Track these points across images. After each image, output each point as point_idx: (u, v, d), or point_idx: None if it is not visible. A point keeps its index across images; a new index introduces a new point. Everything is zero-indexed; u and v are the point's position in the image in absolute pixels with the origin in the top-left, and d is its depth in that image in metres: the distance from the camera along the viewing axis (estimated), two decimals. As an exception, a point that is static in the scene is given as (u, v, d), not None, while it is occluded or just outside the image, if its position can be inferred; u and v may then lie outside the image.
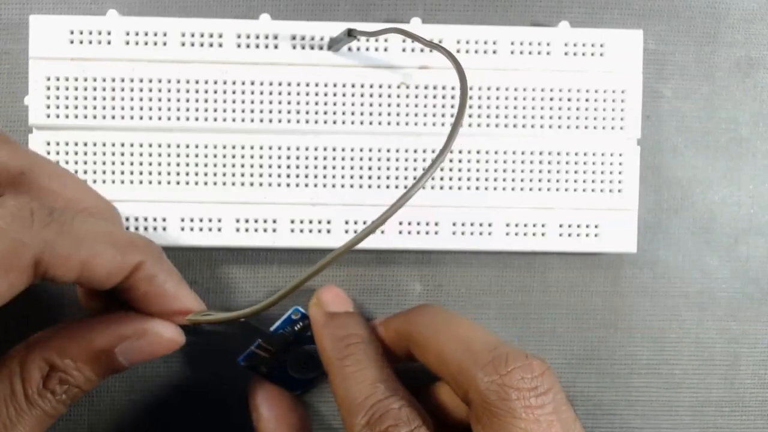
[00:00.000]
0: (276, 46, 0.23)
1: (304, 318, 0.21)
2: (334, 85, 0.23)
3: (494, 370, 0.16)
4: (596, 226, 0.24)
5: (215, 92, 0.23)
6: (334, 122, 0.23)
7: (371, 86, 0.23)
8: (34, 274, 0.16)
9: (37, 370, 0.17)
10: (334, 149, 0.23)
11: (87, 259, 0.17)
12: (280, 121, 0.23)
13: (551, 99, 0.24)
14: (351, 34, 0.22)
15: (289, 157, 0.23)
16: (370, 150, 0.23)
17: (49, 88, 0.22)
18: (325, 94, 0.23)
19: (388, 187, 0.23)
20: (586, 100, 0.24)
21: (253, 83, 0.23)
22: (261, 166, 0.23)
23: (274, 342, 0.21)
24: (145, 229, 0.23)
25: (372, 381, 0.18)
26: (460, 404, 0.19)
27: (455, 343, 0.18)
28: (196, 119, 0.23)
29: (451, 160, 0.23)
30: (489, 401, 0.16)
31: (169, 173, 0.23)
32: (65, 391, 0.18)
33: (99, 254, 0.17)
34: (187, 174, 0.23)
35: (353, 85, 0.23)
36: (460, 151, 0.23)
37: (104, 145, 0.23)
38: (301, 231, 0.23)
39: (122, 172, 0.23)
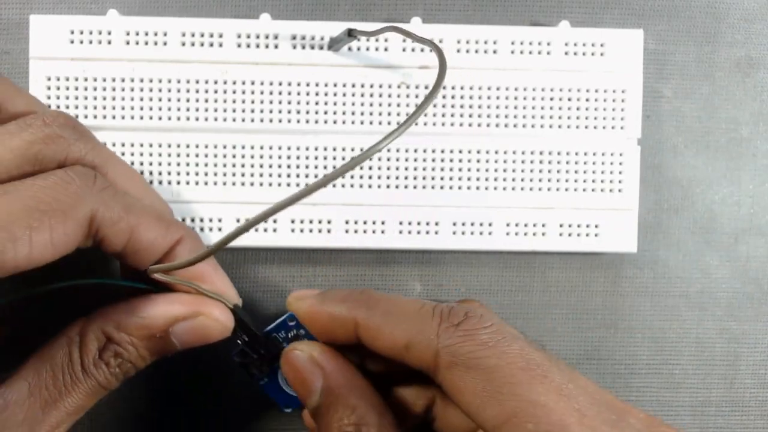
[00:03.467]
0: (276, 46, 0.23)
1: (299, 326, 0.21)
2: (334, 85, 0.23)
3: (449, 324, 0.17)
4: (596, 226, 0.24)
5: (215, 92, 0.23)
6: (334, 122, 0.23)
7: (371, 86, 0.23)
8: (89, 230, 0.17)
9: (95, 341, 0.18)
10: (334, 149, 0.23)
11: (135, 225, 0.18)
12: (280, 121, 0.23)
13: (551, 99, 0.24)
14: (351, 34, 0.22)
15: (289, 157, 0.23)
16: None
17: (49, 88, 0.22)
18: (325, 94, 0.23)
19: (388, 186, 0.23)
20: (586, 100, 0.24)
21: (253, 83, 0.23)
22: (261, 166, 0.23)
23: (263, 344, 0.21)
24: (145, 229, 0.23)
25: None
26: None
27: (401, 321, 0.18)
28: (196, 119, 0.23)
29: (451, 160, 0.23)
30: (459, 355, 0.16)
31: (169, 173, 0.23)
32: (119, 364, 0.18)
33: (146, 222, 0.18)
34: (188, 174, 0.23)
35: (353, 85, 0.23)
36: (460, 151, 0.24)
37: (104, 145, 0.23)
38: (301, 231, 0.23)
39: (122, 172, 0.23)
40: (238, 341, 0.21)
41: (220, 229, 0.23)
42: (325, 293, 0.20)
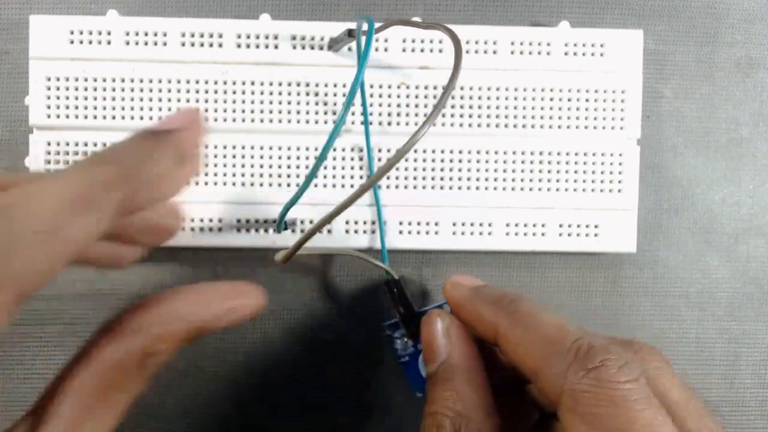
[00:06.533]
0: (276, 46, 0.23)
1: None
2: (334, 85, 0.23)
3: (581, 367, 0.15)
4: (596, 226, 0.24)
5: (215, 92, 0.23)
6: (334, 122, 0.23)
7: (371, 86, 0.23)
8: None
9: (134, 358, 0.16)
10: (333, 149, 0.23)
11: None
12: (280, 121, 0.23)
13: (551, 99, 0.24)
14: (351, 34, 0.22)
15: (289, 158, 0.23)
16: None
17: (49, 88, 0.22)
18: (325, 94, 0.23)
19: (388, 187, 0.23)
20: (586, 100, 0.24)
21: (253, 83, 0.23)
22: (261, 166, 0.23)
23: (415, 321, 0.21)
24: (145, 229, 0.23)
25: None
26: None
27: (537, 344, 0.16)
28: (196, 119, 0.23)
29: (451, 160, 0.23)
30: (582, 400, 0.15)
31: (169, 173, 0.23)
32: (155, 363, 0.16)
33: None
34: (187, 174, 0.23)
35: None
36: (460, 151, 0.23)
37: (104, 145, 0.23)
38: (302, 231, 0.23)
39: (122, 172, 0.23)
40: (396, 312, 0.22)
41: (220, 229, 0.23)
42: (480, 289, 0.19)
